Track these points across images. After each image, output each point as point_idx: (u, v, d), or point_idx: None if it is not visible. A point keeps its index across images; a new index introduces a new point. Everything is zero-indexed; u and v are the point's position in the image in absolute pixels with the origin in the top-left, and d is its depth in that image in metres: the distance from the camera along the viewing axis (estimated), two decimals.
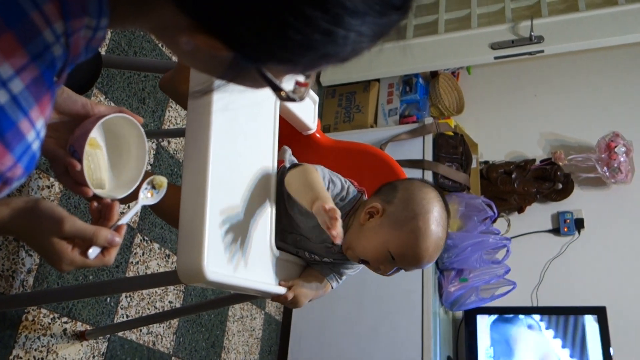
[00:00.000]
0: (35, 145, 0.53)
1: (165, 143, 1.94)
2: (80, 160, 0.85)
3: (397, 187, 1.12)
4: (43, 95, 0.52)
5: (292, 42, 0.50)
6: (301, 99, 0.64)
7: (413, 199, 1.08)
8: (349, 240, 1.10)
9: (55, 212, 0.78)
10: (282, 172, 1.14)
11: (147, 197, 0.91)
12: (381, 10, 0.50)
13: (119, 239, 0.80)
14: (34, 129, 0.52)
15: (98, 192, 0.87)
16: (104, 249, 0.80)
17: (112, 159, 0.97)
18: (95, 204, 0.85)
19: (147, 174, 0.94)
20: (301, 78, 0.65)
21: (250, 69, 0.56)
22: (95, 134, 0.92)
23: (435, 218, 1.06)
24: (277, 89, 0.58)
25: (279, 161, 1.15)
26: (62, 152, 0.87)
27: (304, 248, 1.16)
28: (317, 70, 0.59)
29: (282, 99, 0.60)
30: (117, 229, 0.82)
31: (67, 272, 0.81)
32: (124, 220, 0.85)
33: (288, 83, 0.62)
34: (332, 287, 1.21)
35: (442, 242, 1.08)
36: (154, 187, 0.92)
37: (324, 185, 1.08)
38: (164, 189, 0.93)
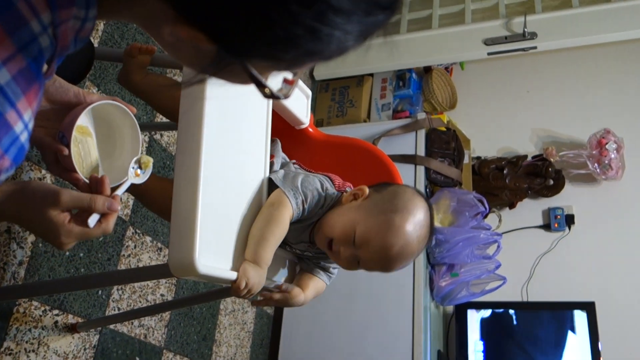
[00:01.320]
0: (24, 137, 0.53)
1: (157, 136, 1.94)
2: (69, 146, 0.84)
3: (392, 185, 1.12)
4: (31, 87, 0.52)
5: (275, 38, 0.50)
6: (286, 97, 0.63)
7: (401, 197, 1.05)
8: (322, 221, 1.07)
9: (47, 186, 0.76)
10: (270, 176, 1.11)
11: (133, 176, 0.91)
12: (367, 9, 0.50)
13: (117, 205, 0.79)
14: (22, 121, 0.52)
15: (88, 179, 0.87)
16: (102, 217, 0.79)
17: (105, 149, 0.97)
18: (84, 180, 0.84)
19: None
20: (289, 75, 0.65)
21: (234, 63, 0.55)
22: (86, 122, 0.92)
23: (414, 222, 1.01)
24: (261, 86, 0.58)
25: (270, 155, 1.15)
26: (50, 139, 0.87)
27: (286, 243, 1.15)
28: (303, 68, 0.59)
29: (266, 96, 0.60)
30: (112, 198, 0.80)
31: (67, 249, 0.80)
32: (118, 192, 0.84)
33: (275, 80, 0.61)
34: (326, 283, 1.20)
35: (409, 250, 1.01)
36: (140, 166, 0.92)
37: (279, 238, 1.01)
38: (150, 169, 0.93)
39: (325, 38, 0.50)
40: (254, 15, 0.48)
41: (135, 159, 0.91)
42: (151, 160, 0.92)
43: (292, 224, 1.06)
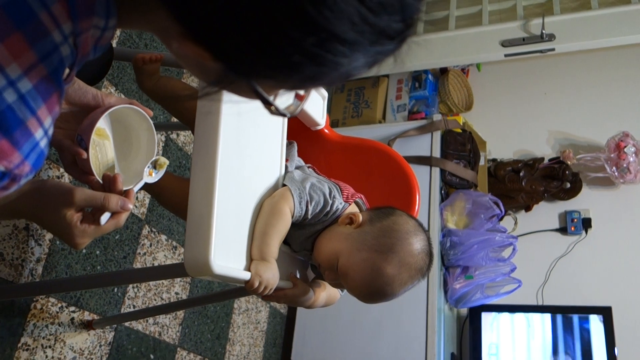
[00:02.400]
0: (43, 143, 0.54)
1: (174, 136, 1.95)
2: (87, 149, 0.86)
3: (391, 215, 1.06)
4: (51, 95, 0.53)
5: (277, 62, 0.50)
6: (292, 114, 0.63)
7: (392, 235, 1.01)
8: (317, 241, 1.07)
9: (62, 185, 0.78)
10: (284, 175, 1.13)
11: (147, 175, 0.93)
12: (374, 39, 0.49)
13: (130, 204, 0.81)
14: (42, 128, 0.53)
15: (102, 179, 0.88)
16: (114, 214, 0.80)
17: (122, 151, 0.98)
18: (93, 179, 0.86)
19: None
20: (300, 91, 0.64)
21: (239, 80, 0.55)
22: (104, 125, 0.94)
23: (398, 265, 0.98)
24: (267, 103, 0.58)
25: (285, 159, 1.15)
26: (70, 142, 0.88)
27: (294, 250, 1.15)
28: (309, 89, 0.58)
29: (272, 113, 0.60)
30: (126, 194, 0.82)
31: (82, 248, 0.81)
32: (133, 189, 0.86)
33: (286, 96, 0.61)
34: (339, 293, 1.20)
35: (388, 291, 1.00)
36: (155, 167, 0.94)
37: (281, 230, 1.00)
38: (163, 170, 0.95)
39: (329, 65, 0.50)
40: (256, 38, 0.48)
41: (152, 160, 0.93)
42: (167, 162, 0.95)
43: (295, 229, 1.06)
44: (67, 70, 0.56)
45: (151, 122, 0.96)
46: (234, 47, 0.50)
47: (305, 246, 1.10)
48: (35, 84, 0.50)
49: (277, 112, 0.59)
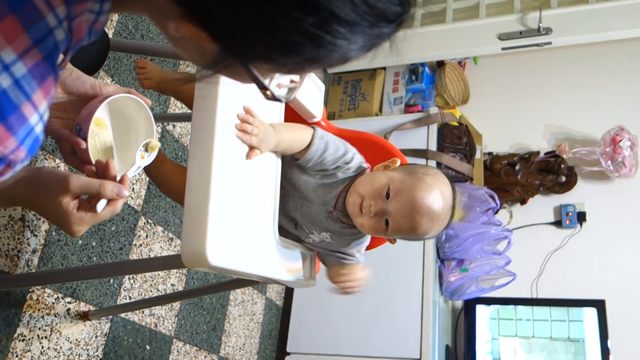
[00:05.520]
0: (39, 129, 0.54)
1: (170, 127, 1.95)
2: (86, 139, 0.86)
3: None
4: (46, 79, 0.52)
5: (276, 43, 0.50)
6: (287, 99, 0.63)
7: (432, 169, 1.11)
8: (355, 183, 1.12)
9: (58, 172, 0.77)
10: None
11: (139, 159, 0.92)
12: (373, 21, 0.49)
13: (125, 190, 0.80)
14: (37, 113, 0.52)
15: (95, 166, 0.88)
16: (110, 201, 0.79)
17: (120, 141, 0.98)
18: (91, 169, 0.85)
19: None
20: (295, 77, 0.64)
21: (236, 63, 0.55)
22: (102, 114, 0.93)
23: (442, 188, 1.07)
24: (262, 87, 0.58)
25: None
26: (68, 132, 0.88)
27: (306, 219, 1.16)
28: (305, 73, 0.58)
29: (267, 97, 0.60)
30: (121, 180, 0.81)
31: (79, 235, 0.80)
32: (128, 174, 0.85)
33: (281, 81, 0.61)
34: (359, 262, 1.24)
35: (437, 209, 1.05)
36: (147, 149, 0.94)
37: (295, 136, 1.10)
38: (155, 152, 0.94)
39: (328, 47, 0.50)
40: (256, 18, 0.48)
41: (144, 142, 0.92)
42: (158, 144, 0.94)
43: (323, 188, 1.13)
44: (61, 56, 0.56)
45: (149, 111, 0.96)
46: (233, 28, 0.49)
47: (328, 202, 1.13)
48: (30, 68, 0.50)
49: (272, 97, 0.59)
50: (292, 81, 0.64)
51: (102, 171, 0.82)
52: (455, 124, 2.62)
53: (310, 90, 1.28)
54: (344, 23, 0.48)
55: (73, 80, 0.89)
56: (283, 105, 1.16)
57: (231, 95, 0.98)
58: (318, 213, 1.15)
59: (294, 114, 1.30)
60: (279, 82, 0.60)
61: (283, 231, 1.19)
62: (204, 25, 0.51)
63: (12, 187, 0.75)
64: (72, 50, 0.58)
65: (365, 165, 1.18)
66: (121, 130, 0.97)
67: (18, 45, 0.48)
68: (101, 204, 0.78)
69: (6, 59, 0.48)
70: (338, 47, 0.50)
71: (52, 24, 0.51)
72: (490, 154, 2.96)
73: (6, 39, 0.47)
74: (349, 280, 1.19)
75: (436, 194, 1.05)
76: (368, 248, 1.27)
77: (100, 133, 0.92)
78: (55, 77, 0.54)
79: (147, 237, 1.79)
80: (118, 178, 0.82)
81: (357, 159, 1.16)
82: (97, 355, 1.58)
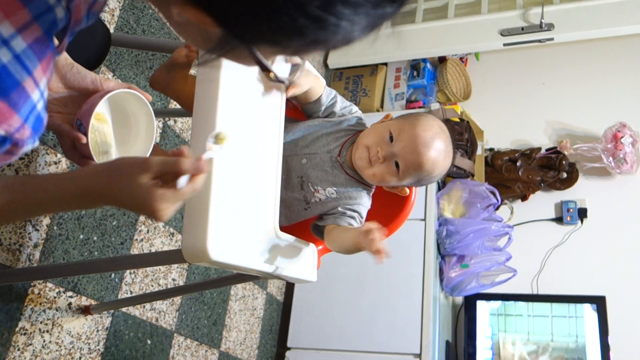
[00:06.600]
0: (40, 106, 0.53)
1: (171, 122, 1.95)
2: (86, 134, 0.86)
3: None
4: (45, 55, 0.52)
5: (281, 26, 0.50)
6: (290, 81, 0.63)
7: (423, 113, 1.26)
8: (359, 136, 1.19)
9: (136, 157, 0.76)
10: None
11: (209, 151, 0.87)
12: (376, 1, 0.50)
13: (205, 166, 0.77)
14: (38, 89, 0.52)
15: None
16: (190, 178, 0.77)
17: (121, 136, 0.98)
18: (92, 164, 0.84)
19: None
20: (296, 60, 0.64)
21: (240, 47, 0.55)
22: (103, 109, 0.93)
23: (440, 123, 1.15)
24: (265, 70, 0.58)
25: None
26: (69, 127, 0.88)
27: (312, 173, 1.17)
28: (309, 54, 0.58)
29: (270, 80, 0.60)
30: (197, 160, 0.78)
31: (165, 217, 0.76)
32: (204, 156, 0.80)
33: (283, 65, 0.61)
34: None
35: (441, 140, 1.13)
36: (215, 141, 0.89)
37: (313, 82, 1.18)
38: (224, 145, 0.87)
39: (331, 28, 0.50)
40: (260, 2, 0.48)
41: (214, 132, 0.85)
42: (228, 137, 0.86)
43: (330, 136, 1.20)
44: (57, 41, 0.56)
45: (150, 107, 0.96)
46: (237, 11, 0.49)
47: (332, 150, 1.19)
48: (30, 44, 0.49)
49: (275, 79, 0.59)
50: (294, 64, 0.64)
51: (177, 156, 0.78)
52: (457, 119, 2.62)
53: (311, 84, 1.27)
54: (348, 5, 0.48)
55: (74, 75, 0.89)
56: (284, 101, 1.16)
57: (232, 93, 0.98)
58: (324, 162, 1.18)
59: (295, 110, 1.30)
60: (281, 64, 0.60)
61: (287, 210, 1.21)
62: (208, 9, 0.50)
63: (92, 177, 0.73)
64: (70, 33, 0.57)
65: (365, 121, 1.27)
66: (121, 125, 0.98)
67: (17, 20, 0.48)
68: (183, 180, 0.75)
69: (4, 33, 0.47)
70: (342, 28, 0.50)
71: (52, 1, 0.51)
72: (491, 150, 2.96)
73: (4, 14, 0.47)
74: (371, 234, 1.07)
75: (435, 128, 1.13)
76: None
77: (100, 128, 0.92)
78: (53, 54, 0.54)
79: (148, 231, 1.80)
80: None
81: (358, 111, 1.27)
82: (98, 349, 1.58)
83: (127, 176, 0.73)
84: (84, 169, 0.74)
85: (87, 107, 0.87)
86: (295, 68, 0.65)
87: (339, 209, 1.19)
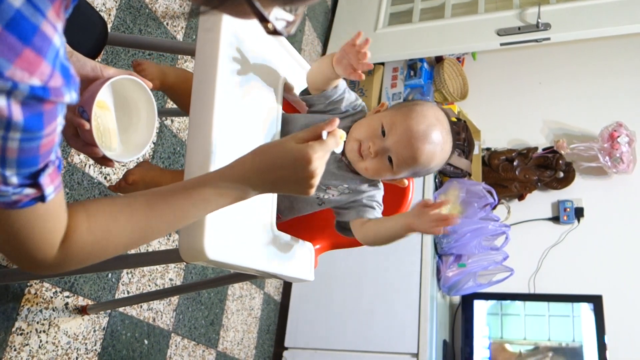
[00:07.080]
0: (62, 52, 0.50)
1: (168, 122, 1.95)
2: (89, 121, 0.86)
3: None
4: None
5: None
6: (288, 33, 0.62)
7: (420, 100, 1.16)
8: (351, 129, 1.13)
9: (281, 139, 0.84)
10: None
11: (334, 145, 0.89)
12: None
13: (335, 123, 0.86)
14: (57, 32, 0.49)
15: (107, 153, 0.88)
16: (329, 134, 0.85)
17: (122, 123, 0.98)
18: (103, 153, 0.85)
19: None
20: (290, 17, 0.63)
21: None
22: (105, 97, 0.94)
23: (435, 111, 1.09)
24: (264, 20, 0.57)
25: None
26: (71, 114, 0.88)
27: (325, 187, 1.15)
28: (305, 3, 0.58)
29: (268, 32, 0.59)
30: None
31: (318, 169, 0.83)
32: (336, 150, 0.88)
33: (278, 22, 0.60)
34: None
35: (435, 131, 1.06)
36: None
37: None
38: (341, 145, 0.91)
39: None
40: None
41: (325, 132, 0.87)
42: (344, 136, 0.90)
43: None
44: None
45: (151, 93, 0.96)
46: None
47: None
48: None
49: (274, 30, 0.59)
50: (287, 22, 0.64)
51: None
52: (454, 119, 2.62)
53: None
54: None
55: (74, 63, 0.89)
56: (281, 99, 1.16)
57: (229, 92, 0.98)
58: (329, 163, 1.13)
59: (292, 109, 1.30)
60: (278, 17, 0.60)
61: (300, 205, 1.20)
62: None
63: (241, 165, 0.79)
64: None
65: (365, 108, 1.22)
66: (123, 112, 0.98)
67: None
68: (324, 133, 0.83)
69: None
70: None
71: None
72: (488, 149, 2.96)
73: None
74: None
75: (429, 118, 1.07)
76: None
77: (102, 115, 0.92)
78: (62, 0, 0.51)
79: None
80: (118, 165, 0.82)
81: (359, 103, 1.20)
82: (95, 350, 1.58)
83: (276, 145, 0.81)
84: (227, 166, 0.80)
85: (88, 94, 0.87)
86: (293, 21, 0.64)
87: (362, 200, 1.16)
